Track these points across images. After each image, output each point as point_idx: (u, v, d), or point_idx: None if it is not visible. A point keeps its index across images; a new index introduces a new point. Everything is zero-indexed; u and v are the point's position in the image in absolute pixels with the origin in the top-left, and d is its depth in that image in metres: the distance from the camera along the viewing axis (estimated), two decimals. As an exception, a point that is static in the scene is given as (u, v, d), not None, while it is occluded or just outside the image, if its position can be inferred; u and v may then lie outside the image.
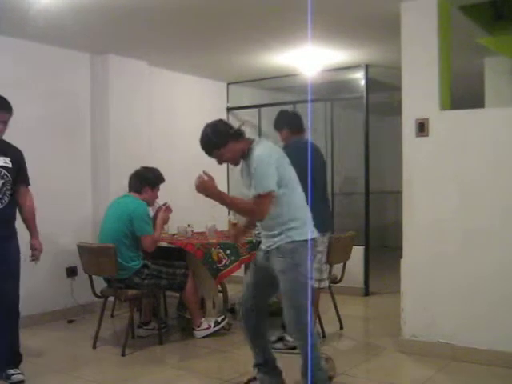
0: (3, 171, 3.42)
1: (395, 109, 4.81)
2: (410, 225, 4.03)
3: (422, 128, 3.95)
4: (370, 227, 6.17)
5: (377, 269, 6.63)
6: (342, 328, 4.73)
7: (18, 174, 3.53)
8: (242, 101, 7.21)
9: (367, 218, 6.14)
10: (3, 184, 3.41)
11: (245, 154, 3.04)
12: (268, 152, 2.97)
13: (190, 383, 3.59)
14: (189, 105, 6.59)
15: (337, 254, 4.43)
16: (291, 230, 2.97)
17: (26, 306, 4.88)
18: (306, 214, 3.06)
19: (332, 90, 6.83)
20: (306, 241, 2.96)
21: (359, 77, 6.18)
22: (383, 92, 6.94)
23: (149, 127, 5.95)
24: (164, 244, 4.62)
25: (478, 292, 3.76)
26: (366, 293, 6.16)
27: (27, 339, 4.56)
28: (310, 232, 3.00)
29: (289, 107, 6.02)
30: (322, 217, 4.03)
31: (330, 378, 3.28)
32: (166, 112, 6.30)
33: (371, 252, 6.26)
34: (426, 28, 3.95)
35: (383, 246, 8.96)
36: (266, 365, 3.25)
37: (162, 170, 4.60)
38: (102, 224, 4.45)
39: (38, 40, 4.94)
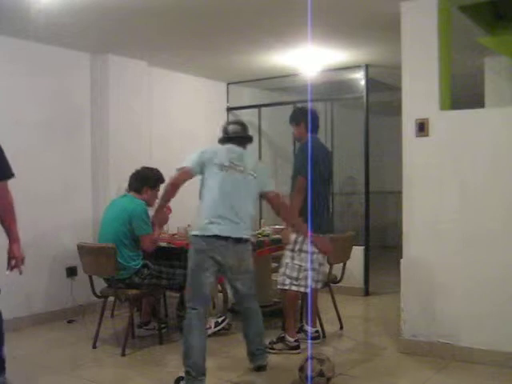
0: None
1: (395, 109, 4.81)
2: (410, 225, 4.03)
3: (421, 128, 3.95)
4: (370, 227, 6.16)
5: (377, 269, 6.64)
6: (341, 328, 4.74)
7: None
8: (242, 101, 7.22)
9: (367, 217, 6.14)
10: None
11: None
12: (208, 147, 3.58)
13: (189, 383, 3.58)
14: (189, 105, 6.59)
15: (337, 254, 4.44)
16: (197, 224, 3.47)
17: (25, 306, 4.90)
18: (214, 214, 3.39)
19: (332, 90, 6.83)
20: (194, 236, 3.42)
21: (359, 77, 6.18)
22: (383, 92, 6.95)
23: (149, 127, 5.95)
24: (164, 244, 4.62)
25: (477, 292, 3.76)
26: (366, 293, 6.16)
27: (27, 339, 4.56)
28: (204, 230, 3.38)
29: (289, 107, 6.02)
30: (322, 218, 4.03)
31: (328, 379, 3.28)
32: (166, 112, 6.30)
33: (371, 252, 6.26)
34: (426, 28, 3.95)
35: (383, 246, 8.96)
36: None
37: (161, 170, 4.60)
38: (101, 224, 4.45)
39: (38, 40, 4.94)
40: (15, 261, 2.96)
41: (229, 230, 3.39)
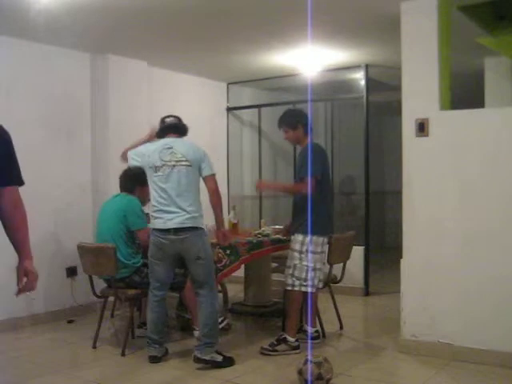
0: None
1: (395, 109, 4.81)
2: (410, 225, 4.03)
3: (421, 128, 3.95)
4: (370, 227, 6.16)
5: (377, 269, 6.64)
6: (341, 328, 4.73)
7: (5, 166, 2.33)
8: (242, 101, 7.22)
9: (367, 217, 6.14)
10: None
11: None
12: None
13: (189, 383, 3.59)
14: (189, 105, 6.59)
15: (337, 254, 4.44)
16: None
17: (25, 306, 4.90)
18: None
19: (332, 89, 6.83)
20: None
21: (359, 77, 6.18)
22: (383, 92, 6.95)
23: (149, 127, 5.94)
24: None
25: (477, 292, 3.76)
26: (366, 293, 6.16)
27: (27, 339, 4.56)
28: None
29: (289, 107, 6.02)
30: (321, 219, 4.02)
31: (328, 381, 3.28)
32: (166, 112, 6.28)
33: (371, 252, 6.26)
34: (426, 28, 3.95)
35: (383, 246, 8.97)
36: None
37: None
38: (98, 224, 4.45)
39: (38, 40, 4.94)
40: (29, 279, 2.47)
41: (169, 222, 3.71)
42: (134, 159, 3.93)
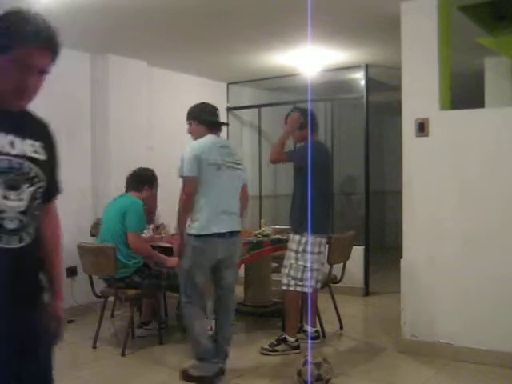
0: (32, 168, 1.63)
1: (395, 109, 4.81)
2: (410, 224, 4.03)
3: (421, 128, 3.95)
4: (370, 227, 6.16)
5: (377, 269, 6.64)
6: (341, 328, 4.73)
7: (52, 174, 1.78)
8: (242, 101, 7.22)
9: (367, 217, 6.14)
10: (33, 195, 1.64)
11: None
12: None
13: (189, 383, 3.58)
14: (189, 105, 6.57)
15: (337, 254, 4.44)
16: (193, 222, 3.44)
17: (25, 306, 4.90)
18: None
19: (332, 89, 6.83)
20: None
21: (359, 77, 6.18)
22: (383, 92, 6.95)
23: (149, 127, 5.95)
24: (164, 244, 4.62)
25: (477, 292, 3.76)
26: (366, 293, 6.16)
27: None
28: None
29: (289, 107, 6.02)
30: (318, 219, 4.02)
31: (327, 381, 3.28)
32: (166, 112, 6.30)
33: (371, 252, 6.25)
34: (426, 28, 3.95)
35: (383, 246, 8.97)
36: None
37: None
38: (101, 224, 4.46)
39: (37, 40, 4.93)
40: (58, 327, 1.80)
41: (227, 225, 3.48)
42: (190, 170, 3.45)
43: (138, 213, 4.24)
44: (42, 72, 1.64)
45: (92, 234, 5.10)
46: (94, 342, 4.25)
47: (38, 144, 1.68)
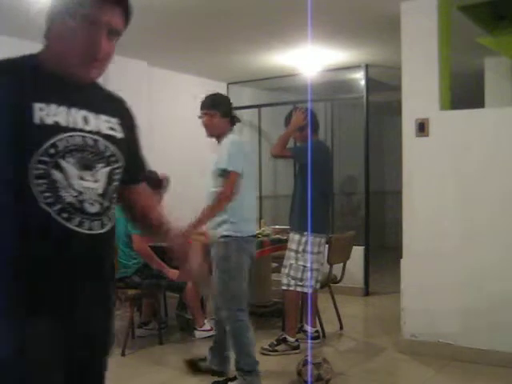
0: (108, 147, 1.47)
1: (395, 109, 4.81)
2: (410, 224, 4.03)
3: (422, 128, 3.95)
4: (370, 227, 6.16)
5: (377, 269, 6.64)
6: (341, 328, 4.73)
7: (132, 153, 1.61)
8: (242, 101, 7.21)
9: (367, 217, 6.14)
10: (109, 176, 1.47)
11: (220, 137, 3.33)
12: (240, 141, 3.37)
13: (189, 383, 3.59)
14: (189, 105, 6.58)
15: (337, 253, 4.44)
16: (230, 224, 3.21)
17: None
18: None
19: (332, 89, 6.83)
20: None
21: (359, 77, 6.18)
22: (383, 92, 6.95)
23: (149, 127, 5.94)
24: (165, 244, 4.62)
25: (478, 292, 3.76)
26: (366, 293, 6.16)
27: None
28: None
29: (289, 107, 6.02)
30: (318, 219, 4.03)
31: (327, 381, 3.28)
32: (166, 112, 6.30)
33: (371, 252, 6.25)
34: (426, 28, 3.95)
35: (383, 246, 8.97)
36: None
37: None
38: None
39: (38, 40, 4.93)
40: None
41: (254, 227, 3.47)
42: (238, 166, 3.26)
43: None
44: (114, 33, 1.45)
45: None
46: (94, 342, 4.25)
47: (114, 120, 1.53)
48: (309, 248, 4.00)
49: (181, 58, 5.82)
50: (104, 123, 1.48)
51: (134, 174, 1.65)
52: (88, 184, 1.40)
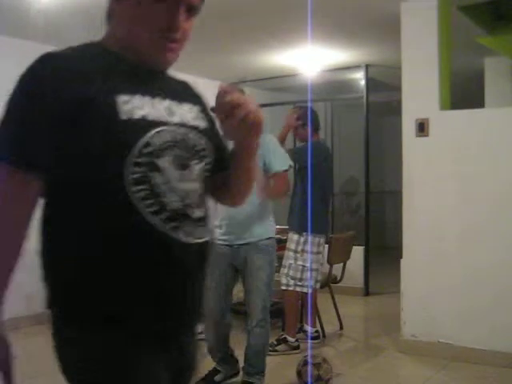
0: (198, 139, 1.28)
1: (395, 109, 4.81)
2: (410, 224, 4.03)
3: (422, 128, 3.95)
4: (370, 227, 6.16)
5: (377, 269, 6.63)
6: (341, 328, 4.73)
7: (217, 143, 1.37)
8: (242, 101, 7.20)
9: (367, 217, 6.14)
10: (203, 173, 1.28)
11: None
12: None
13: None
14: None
15: (337, 253, 4.44)
16: (271, 225, 3.16)
17: (26, 306, 4.90)
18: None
19: (332, 89, 6.83)
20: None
21: (359, 77, 6.18)
22: (383, 92, 6.95)
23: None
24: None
25: (478, 292, 3.76)
26: (366, 293, 6.16)
27: (27, 339, 4.56)
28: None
29: (289, 107, 6.02)
30: (317, 219, 4.03)
31: (327, 381, 3.28)
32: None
33: (371, 252, 6.25)
34: (426, 28, 3.95)
35: (383, 246, 8.97)
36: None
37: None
38: None
39: (38, 40, 4.93)
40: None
41: None
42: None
43: None
44: (193, 10, 1.24)
45: None
46: (94, 342, 4.25)
47: (196, 109, 1.33)
48: (308, 248, 4.01)
49: (181, 58, 5.80)
50: (188, 113, 1.29)
51: (223, 164, 1.36)
52: (189, 185, 1.20)
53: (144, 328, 1.18)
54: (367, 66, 6.03)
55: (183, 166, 1.20)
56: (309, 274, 4.03)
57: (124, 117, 1.13)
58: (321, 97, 6.87)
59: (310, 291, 4.08)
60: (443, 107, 3.97)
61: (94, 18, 4.56)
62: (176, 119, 1.22)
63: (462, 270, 3.82)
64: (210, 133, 1.32)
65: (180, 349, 1.26)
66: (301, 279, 4.04)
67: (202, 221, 1.24)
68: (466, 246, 3.81)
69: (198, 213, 1.22)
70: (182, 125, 1.23)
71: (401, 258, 4.07)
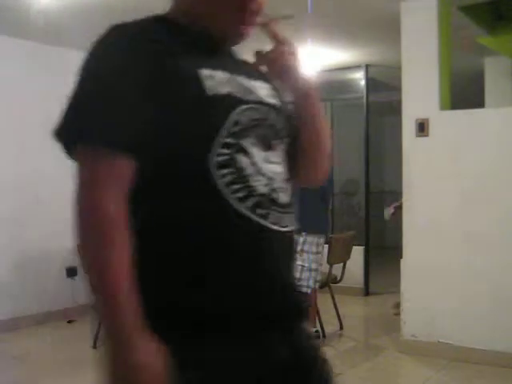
0: (276, 118, 1.17)
1: (395, 109, 4.81)
2: (410, 225, 4.03)
3: (422, 128, 3.95)
4: (370, 227, 6.16)
5: (377, 269, 6.63)
6: (341, 328, 4.73)
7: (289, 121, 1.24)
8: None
9: (367, 217, 6.14)
10: (283, 154, 1.20)
11: None
12: None
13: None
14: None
15: (337, 254, 4.44)
16: None
17: (26, 306, 4.90)
18: None
19: (332, 90, 6.82)
20: None
21: (359, 77, 6.18)
22: (383, 92, 6.95)
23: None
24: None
25: (478, 292, 3.76)
26: (366, 293, 6.16)
27: (27, 339, 4.56)
28: None
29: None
30: (316, 219, 4.03)
31: None
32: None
33: (371, 252, 6.25)
34: (426, 28, 3.95)
35: (383, 246, 8.96)
36: None
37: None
38: None
39: (38, 40, 4.94)
40: None
41: None
42: None
43: None
44: None
45: None
46: (94, 342, 4.25)
47: (268, 86, 1.22)
48: (307, 248, 4.00)
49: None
50: (263, 90, 1.18)
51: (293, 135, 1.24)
52: (275, 167, 1.11)
53: (250, 329, 1.04)
54: (367, 66, 6.03)
55: (267, 146, 1.10)
56: (308, 273, 4.03)
57: (210, 93, 1.03)
58: (321, 97, 6.86)
59: (308, 291, 4.08)
60: (443, 107, 3.97)
61: (94, 17, 4.58)
62: (253, 97, 1.12)
63: (462, 269, 3.82)
64: (284, 111, 1.21)
65: (292, 347, 1.11)
66: (300, 279, 4.04)
67: (289, 207, 1.17)
68: (465, 246, 3.81)
69: (284, 198, 1.14)
70: (260, 102, 1.13)
71: (401, 257, 4.07)
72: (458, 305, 3.83)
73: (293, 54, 1.23)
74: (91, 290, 0.97)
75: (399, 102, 4.10)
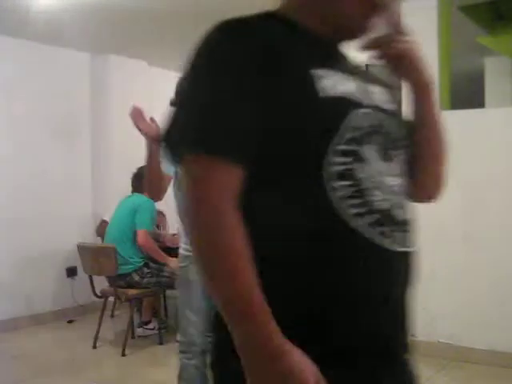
0: (398, 127, 1.10)
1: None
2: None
3: (422, 128, 3.95)
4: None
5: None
6: (342, 328, 4.73)
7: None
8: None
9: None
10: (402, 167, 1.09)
11: None
12: None
13: (189, 383, 3.59)
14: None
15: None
16: None
17: (26, 306, 4.90)
18: None
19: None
20: None
21: (359, 77, 6.18)
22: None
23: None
24: (167, 244, 4.63)
25: (478, 292, 3.76)
26: (366, 293, 6.15)
27: (27, 339, 4.56)
28: None
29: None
30: None
31: None
32: (166, 111, 6.30)
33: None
34: (426, 28, 3.95)
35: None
36: None
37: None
38: (110, 221, 4.47)
39: (37, 40, 4.94)
40: None
41: None
42: None
43: (150, 211, 4.25)
44: None
45: (98, 235, 5.11)
46: (94, 342, 4.25)
47: (385, 91, 1.14)
48: None
49: (181, 58, 5.82)
50: (379, 94, 1.08)
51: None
52: (395, 181, 1.02)
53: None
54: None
55: (388, 156, 0.99)
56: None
57: (322, 94, 0.93)
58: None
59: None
60: (443, 107, 3.97)
61: (94, 18, 4.59)
62: (370, 101, 1.01)
63: (462, 269, 3.82)
64: (400, 118, 1.13)
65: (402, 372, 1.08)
66: None
67: (409, 225, 1.06)
68: (465, 246, 3.81)
69: (403, 215, 1.05)
70: (377, 107, 1.02)
71: (401, 257, 4.07)
72: (458, 305, 3.83)
73: (412, 43, 1.10)
74: (223, 303, 0.87)
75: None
